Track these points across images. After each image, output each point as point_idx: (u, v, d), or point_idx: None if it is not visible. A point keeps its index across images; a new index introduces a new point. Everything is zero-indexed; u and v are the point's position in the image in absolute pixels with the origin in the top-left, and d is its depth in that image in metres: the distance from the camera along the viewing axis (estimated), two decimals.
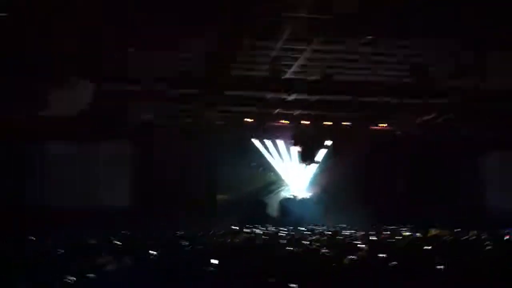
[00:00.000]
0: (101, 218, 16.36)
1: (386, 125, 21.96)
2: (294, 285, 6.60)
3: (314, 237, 13.34)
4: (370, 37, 13.00)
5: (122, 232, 13.72)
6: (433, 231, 15.70)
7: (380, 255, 8.99)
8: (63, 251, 9.42)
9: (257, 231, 16.24)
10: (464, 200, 20.34)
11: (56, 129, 17.87)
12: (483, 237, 14.56)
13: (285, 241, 12.32)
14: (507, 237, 15.03)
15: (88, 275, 6.92)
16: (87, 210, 17.66)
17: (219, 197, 21.54)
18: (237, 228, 16.90)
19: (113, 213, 17.59)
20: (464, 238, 14.46)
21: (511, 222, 18.07)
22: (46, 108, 16.26)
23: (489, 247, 11.53)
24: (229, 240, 12.76)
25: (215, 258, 7.89)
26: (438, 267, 7.91)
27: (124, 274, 7.39)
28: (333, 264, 8.37)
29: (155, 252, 8.99)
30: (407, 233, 15.53)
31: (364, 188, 21.23)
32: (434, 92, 17.13)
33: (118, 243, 10.93)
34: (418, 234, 15.07)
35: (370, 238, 13.83)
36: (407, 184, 21.88)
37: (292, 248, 10.34)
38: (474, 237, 14.14)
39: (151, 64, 15.04)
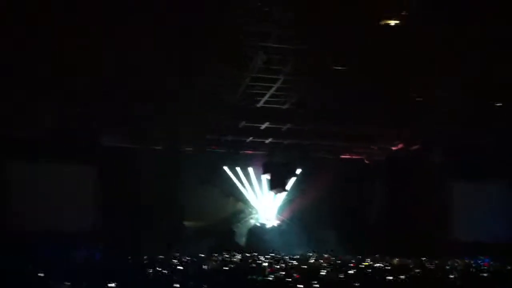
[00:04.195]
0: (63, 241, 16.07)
1: (356, 154, 22.28)
2: None
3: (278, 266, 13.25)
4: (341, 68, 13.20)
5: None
6: (397, 260, 15.83)
7: None
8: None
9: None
10: (430, 228, 20.50)
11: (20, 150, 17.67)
12: (448, 267, 14.73)
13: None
14: (486, 265, 15.33)
15: None
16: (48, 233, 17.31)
17: (187, 224, 21.33)
18: (204, 255, 16.75)
19: (75, 237, 17.32)
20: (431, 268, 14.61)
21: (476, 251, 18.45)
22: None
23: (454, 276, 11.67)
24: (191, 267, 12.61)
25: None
26: None
27: None
28: None
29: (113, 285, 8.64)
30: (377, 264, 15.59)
31: (334, 215, 21.28)
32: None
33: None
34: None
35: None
36: (376, 212, 22.01)
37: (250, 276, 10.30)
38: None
39: (120, 90, 15.07)
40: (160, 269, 11.27)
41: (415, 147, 20.06)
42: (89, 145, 18.51)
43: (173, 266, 13.01)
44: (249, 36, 11.63)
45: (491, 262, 16.67)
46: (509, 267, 14.76)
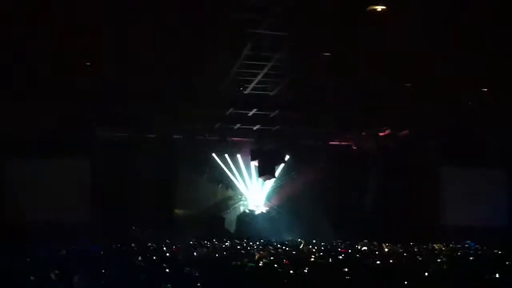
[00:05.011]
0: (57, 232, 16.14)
1: (344, 140, 22.37)
2: None
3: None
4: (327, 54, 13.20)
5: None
6: (386, 245, 16.00)
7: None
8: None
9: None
10: (419, 214, 20.69)
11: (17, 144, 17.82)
12: (436, 251, 14.93)
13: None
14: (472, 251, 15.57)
15: None
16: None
17: (178, 211, 21.39)
18: (195, 242, 16.83)
19: (69, 227, 17.37)
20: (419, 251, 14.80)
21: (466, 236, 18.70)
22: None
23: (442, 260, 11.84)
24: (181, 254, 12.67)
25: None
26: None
27: None
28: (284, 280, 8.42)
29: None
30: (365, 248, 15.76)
31: (324, 202, 21.33)
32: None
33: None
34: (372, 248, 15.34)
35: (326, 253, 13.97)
36: (365, 198, 22.12)
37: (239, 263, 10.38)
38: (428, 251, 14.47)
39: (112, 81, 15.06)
40: (151, 256, 11.31)
41: (403, 132, 20.16)
42: (80, 135, 18.57)
43: (164, 253, 13.09)
44: (240, 23, 11.59)
45: (478, 246, 16.91)
46: (496, 251, 15.04)
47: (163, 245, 15.17)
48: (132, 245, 15.05)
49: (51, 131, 17.89)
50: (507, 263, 11.25)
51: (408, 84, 15.43)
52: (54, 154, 18.64)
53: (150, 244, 15.49)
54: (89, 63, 13.63)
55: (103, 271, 8.63)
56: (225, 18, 11.28)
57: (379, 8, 10.26)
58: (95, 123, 18.84)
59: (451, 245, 17.39)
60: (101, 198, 19.15)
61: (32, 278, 7.73)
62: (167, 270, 8.98)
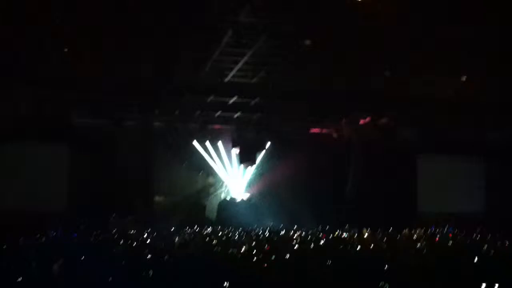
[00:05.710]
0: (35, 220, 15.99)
1: (324, 128, 22.45)
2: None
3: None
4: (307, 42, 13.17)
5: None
6: (366, 232, 16.15)
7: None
8: None
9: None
10: (399, 201, 20.90)
11: None
12: (415, 237, 15.11)
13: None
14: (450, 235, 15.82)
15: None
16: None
17: (158, 198, 21.31)
18: (175, 229, 16.80)
19: (48, 215, 17.21)
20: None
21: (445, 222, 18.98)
22: None
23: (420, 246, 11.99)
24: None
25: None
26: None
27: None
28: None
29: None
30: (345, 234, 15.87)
31: (304, 189, 21.37)
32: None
33: None
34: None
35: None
36: (345, 186, 22.23)
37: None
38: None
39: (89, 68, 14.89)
40: (131, 243, 11.27)
41: (383, 120, 20.27)
42: (57, 122, 18.38)
43: (145, 240, 13.05)
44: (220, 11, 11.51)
45: (456, 231, 17.17)
46: (474, 237, 15.29)
47: (144, 233, 15.11)
48: (113, 232, 14.97)
49: (26, 117, 17.66)
50: (484, 248, 11.47)
51: (388, 72, 15.51)
52: (29, 141, 18.44)
53: (130, 231, 15.42)
54: (66, 49, 13.46)
55: (82, 258, 8.57)
56: (205, 5, 11.22)
57: None
58: (72, 110, 18.67)
59: (430, 231, 17.63)
60: (78, 186, 19.02)
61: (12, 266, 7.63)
62: (147, 257, 8.96)
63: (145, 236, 14.33)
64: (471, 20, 11.52)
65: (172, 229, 16.69)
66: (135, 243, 11.50)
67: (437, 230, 18.06)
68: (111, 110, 18.66)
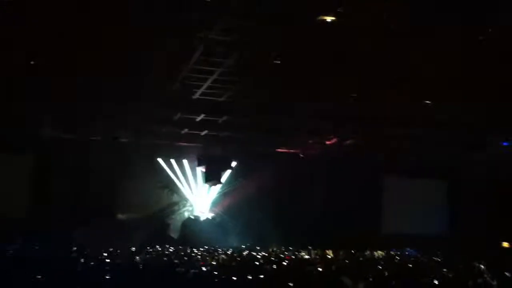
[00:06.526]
0: None
1: (291, 148, 22.54)
2: None
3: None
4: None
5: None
6: (329, 252, 16.25)
7: None
8: None
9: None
10: (362, 222, 21.09)
11: None
12: (376, 258, 15.27)
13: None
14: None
15: None
16: None
17: (120, 216, 20.99)
18: (136, 248, 16.54)
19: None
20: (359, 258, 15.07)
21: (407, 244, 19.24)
22: None
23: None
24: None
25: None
26: None
27: None
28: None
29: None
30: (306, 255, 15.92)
31: (269, 209, 21.37)
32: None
33: None
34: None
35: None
36: (310, 206, 22.31)
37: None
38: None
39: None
40: (91, 262, 11.05)
41: (348, 141, 20.49)
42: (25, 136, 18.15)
43: (104, 259, 12.80)
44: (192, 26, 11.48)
45: (418, 255, 17.39)
46: (435, 258, 15.50)
47: (106, 250, 14.83)
48: (74, 249, 14.64)
49: None
50: (444, 270, 11.63)
51: (354, 95, 15.70)
52: None
53: (91, 248, 15.10)
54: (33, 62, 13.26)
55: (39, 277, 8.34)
56: (175, 19, 11.19)
57: (329, 19, 10.43)
58: (39, 122, 18.37)
59: (391, 252, 17.82)
60: (42, 197, 18.74)
61: None
62: (107, 276, 8.77)
63: (105, 254, 14.06)
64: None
65: (133, 249, 16.41)
66: (94, 262, 11.24)
67: (398, 251, 18.30)
68: (78, 124, 18.42)
